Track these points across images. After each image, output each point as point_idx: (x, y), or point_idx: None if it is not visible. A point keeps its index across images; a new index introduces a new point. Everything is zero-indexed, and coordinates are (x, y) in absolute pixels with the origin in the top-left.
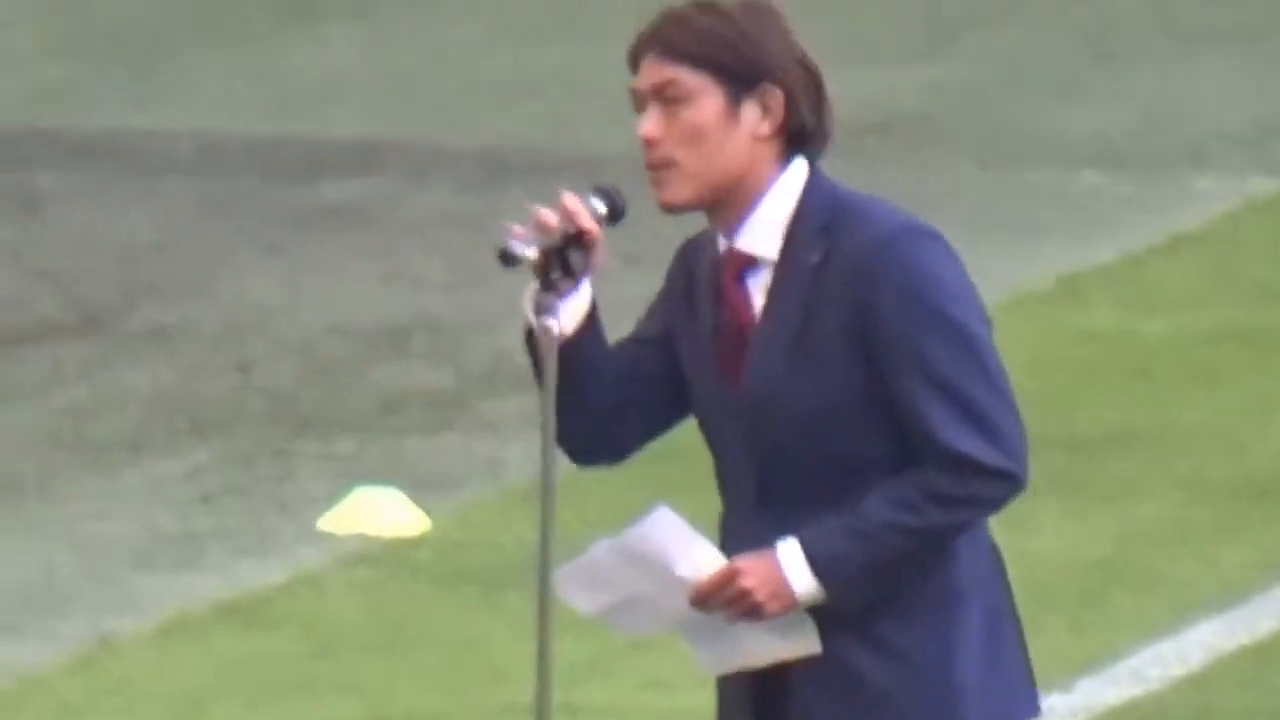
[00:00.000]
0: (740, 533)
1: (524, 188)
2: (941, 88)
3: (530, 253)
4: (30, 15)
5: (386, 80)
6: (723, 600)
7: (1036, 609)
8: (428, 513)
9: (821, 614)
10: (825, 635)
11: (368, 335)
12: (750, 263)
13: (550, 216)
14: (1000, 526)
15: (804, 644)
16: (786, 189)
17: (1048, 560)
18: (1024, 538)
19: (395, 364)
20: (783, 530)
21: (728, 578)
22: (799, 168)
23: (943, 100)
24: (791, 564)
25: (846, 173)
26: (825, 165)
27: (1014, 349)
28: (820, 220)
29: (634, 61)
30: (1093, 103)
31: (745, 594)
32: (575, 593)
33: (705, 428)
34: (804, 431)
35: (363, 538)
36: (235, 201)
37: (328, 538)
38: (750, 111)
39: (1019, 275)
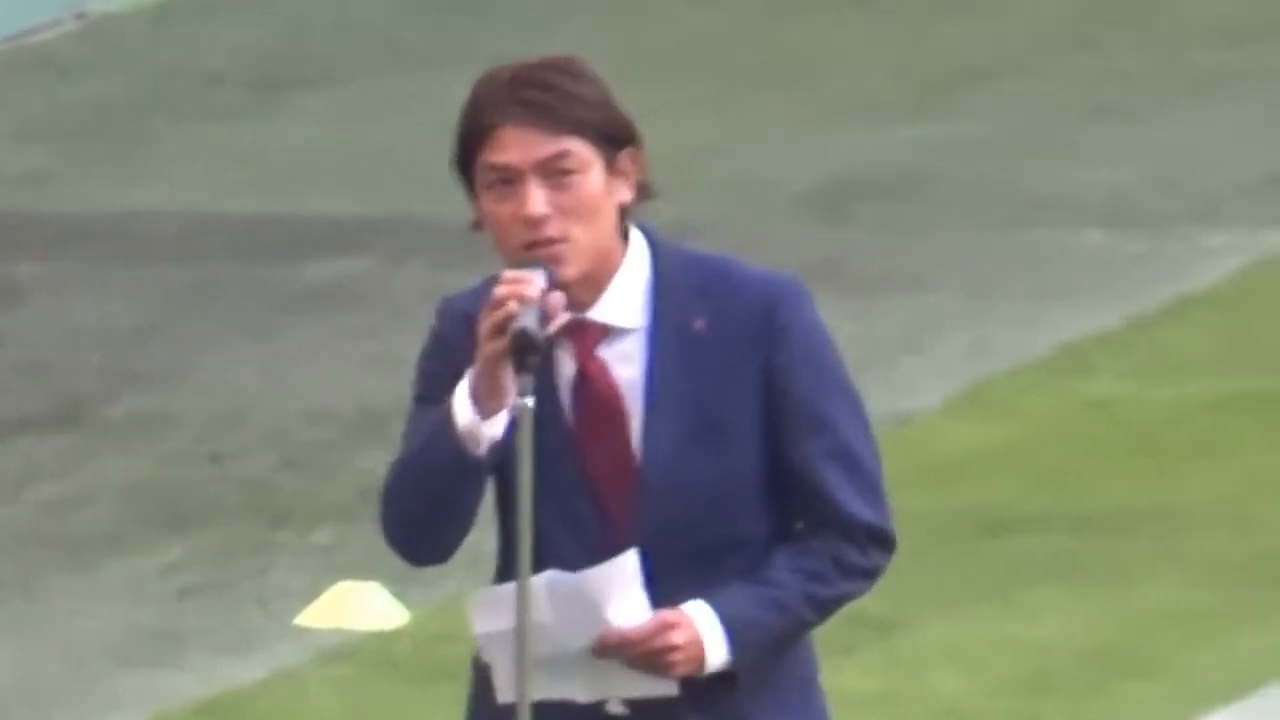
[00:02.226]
0: None
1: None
2: (936, 146)
3: (540, 330)
4: (8, 98)
5: (365, 155)
6: (645, 649)
7: (1035, 699)
8: (408, 605)
9: (694, 695)
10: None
11: (348, 421)
12: (605, 332)
13: (523, 290)
14: (998, 611)
15: (667, 684)
16: (637, 254)
17: (1048, 647)
18: (1023, 623)
19: (375, 451)
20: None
21: (661, 629)
22: (634, 230)
23: (937, 159)
24: (710, 630)
25: (839, 238)
26: (814, 229)
27: (1014, 420)
28: (692, 284)
29: (486, 132)
30: (1097, 158)
31: (671, 650)
32: (482, 614)
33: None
34: (701, 508)
35: (342, 632)
36: (217, 285)
37: (307, 633)
38: (618, 179)
39: (1019, 342)
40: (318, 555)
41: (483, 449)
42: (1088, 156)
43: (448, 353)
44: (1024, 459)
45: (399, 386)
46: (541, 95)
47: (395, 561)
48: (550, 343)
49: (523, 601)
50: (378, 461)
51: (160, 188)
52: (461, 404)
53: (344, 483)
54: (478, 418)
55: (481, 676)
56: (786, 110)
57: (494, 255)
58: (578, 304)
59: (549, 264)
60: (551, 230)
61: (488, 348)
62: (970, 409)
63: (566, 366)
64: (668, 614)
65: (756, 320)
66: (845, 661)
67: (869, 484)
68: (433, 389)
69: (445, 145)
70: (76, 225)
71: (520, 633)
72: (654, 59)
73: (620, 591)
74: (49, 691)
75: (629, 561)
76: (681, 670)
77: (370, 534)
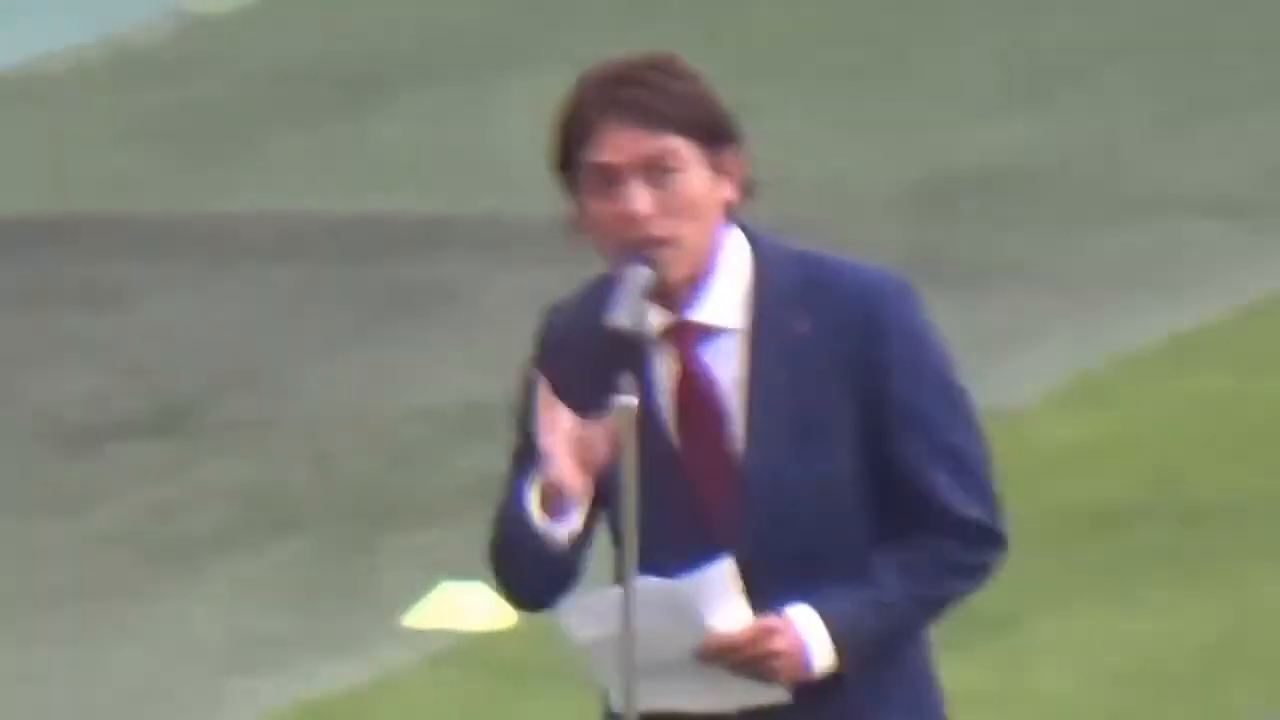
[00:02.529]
0: None
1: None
2: (1039, 139)
3: (637, 328)
4: (106, 101)
5: (461, 153)
6: (747, 656)
7: (1148, 694)
8: None
9: (802, 697)
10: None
11: (452, 420)
12: (705, 333)
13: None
14: (1109, 607)
15: (778, 692)
16: (738, 253)
17: (1163, 643)
18: (1134, 618)
19: (479, 449)
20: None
21: (762, 635)
22: (734, 229)
23: (1040, 152)
24: (813, 634)
25: (941, 233)
26: (917, 222)
27: (1123, 415)
28: (793, 284)
29: (587, 131)
30: (1201, 151)
31: (773, 655)
32: (580, 620)
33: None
34: (802, 510)
35: (449, 633)
36: (318, 286)
37: (414, 634)
38: (721, 176)
39: (1127, 336)
40: (424, 555)
41: (562, 543)
42: (1192, 149)
43: (548, 366)
44: (1131, 452)
45: (502, 385)
46: (643, 94)
47: None
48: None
49: (629, 605)
50: (482, 460)
51: (259, 189)
52: (534, 507)
53: (449, 482)
54: (549, 522)
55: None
56: (888, 104)
57: (594, 253)
58: (678, 304)
59: (652, 267)
60: (655, 229)
61: (546, 473)
62: (1076, 403)
63: (666, 367)
64: (768, 620)
65: (857, 319)
66: (955, 658)
67: (975, 482)
68: (532, 410)
69: (543, 143)
70: (176, 228)
71: (626, 639)
72: (753, 54)
73: (718, 598)
74: (156, 695)
75: (725, 568)
76: (785, 675)
77: (477, 533)
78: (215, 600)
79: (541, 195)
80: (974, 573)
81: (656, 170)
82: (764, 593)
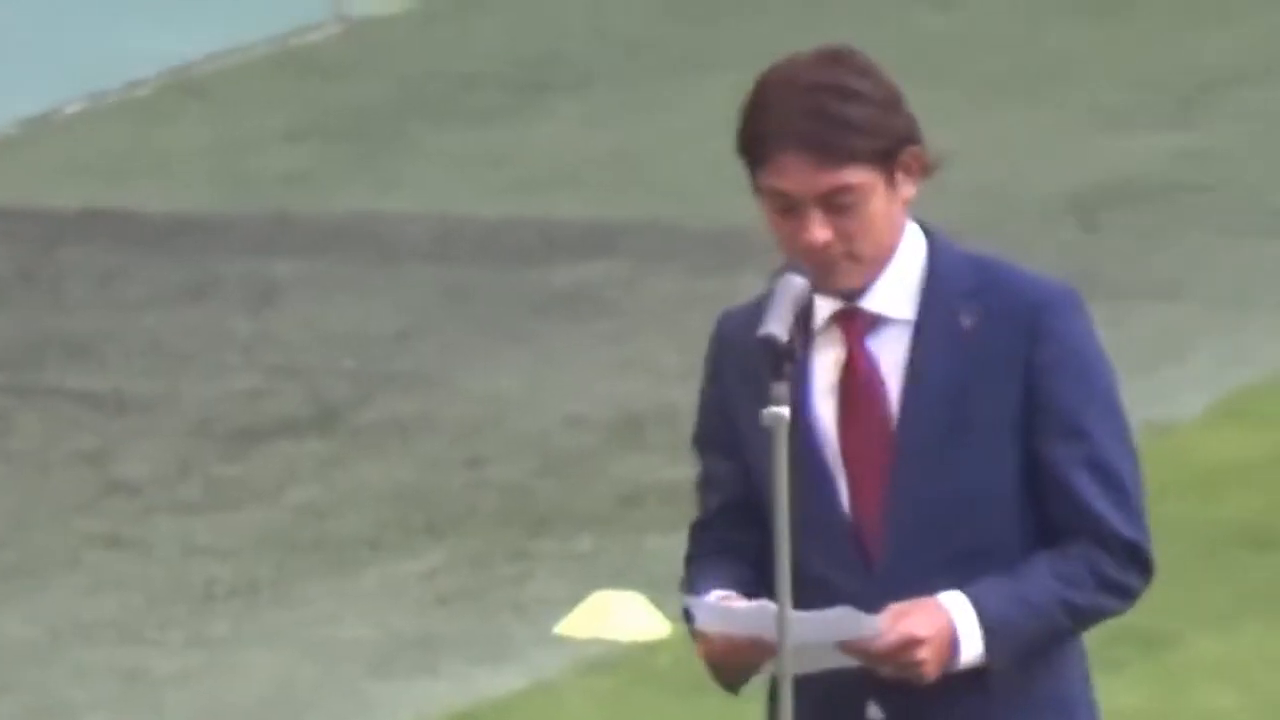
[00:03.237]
0: (839, 597)
1: (761, 270)
2: (1188, 154)
3: (786, 337)
4: (266, 101)
5: (620, 159)
6: (892, 666)
7: None
8: (668, 615)
9: (946, 700)
10: None
11: (605, 427)
12: (874, 321)
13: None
14: (1268, 627)
15: None
16: (913, 247)
17: None
18: None
19: (633, 457)
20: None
21: (906, 647)
22: (912, 224)
23: (1190, 167)
24: (966, 629)
25: (1093, 246)
26: (1067, 236)
27: (1275, 431)
28: (964, 281)
29: (765, 156)
30: None
31: (917, 665)
32: (711, 618)
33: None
34: (952, 507)
35: (601, 642)
36: (473, 288)
37: (566, 642)
38: (901, 178)
39: (1278, 352)
40: (577, 563)
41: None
42: None
43: (718, 377)
44: None
45: (655, 392)
46: (819, 128)
47: (655, 569)
48: (801, 347)
49: (783, 624)
50: (636, 468)
51: (416, 190)
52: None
53: (602, 489)
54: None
55: (772, 694)
56: (1038, 117)
57: (745, 263)
58: (850, 292)
59: (824, 272)
60: (834, 251)
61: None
62: (1230, 419)
63: (831, 353)
64: (913, 629)
65: (1022, 321)
66: (1111, 677)
67: (1126, 501)
68: (708, 420)
69: (700, 150)
70: (333, 227)
71: (782, 658)
72: (905, 65)
73: (842, 627)
74: (304, 698)
75: (846, 613)
76: (933, 675)
77: (630, 542)
78: (366, 603)
79: (699, 202)
80: (1122, 592)
81: (834, 203)
82: (917, 582)
